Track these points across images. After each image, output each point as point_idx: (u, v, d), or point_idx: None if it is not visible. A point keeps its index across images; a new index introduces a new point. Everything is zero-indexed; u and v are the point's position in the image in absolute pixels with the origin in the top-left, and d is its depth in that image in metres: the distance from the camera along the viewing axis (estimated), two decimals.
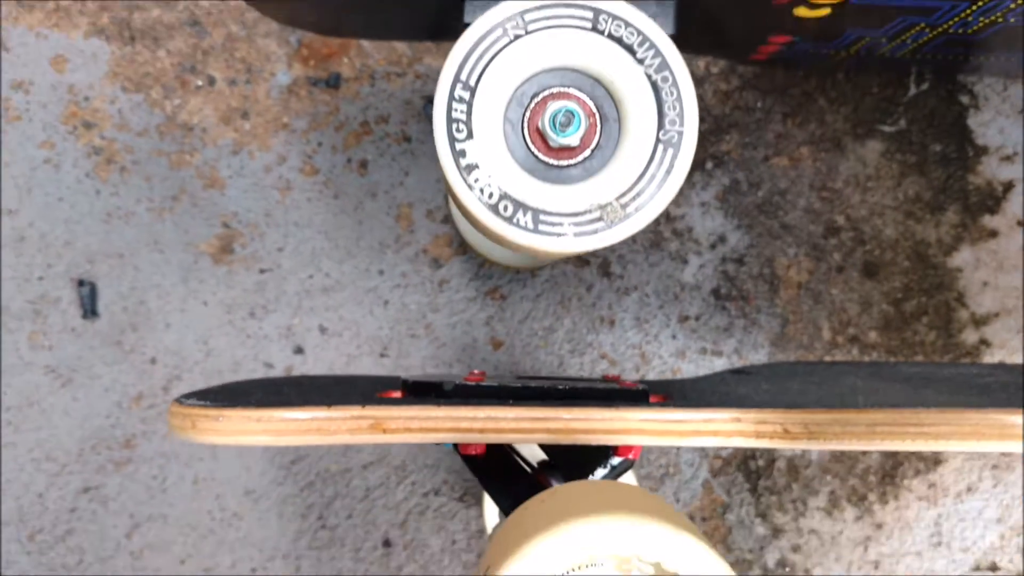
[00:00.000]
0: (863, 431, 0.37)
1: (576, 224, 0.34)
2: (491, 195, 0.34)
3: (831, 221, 0.64)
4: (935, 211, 0.65)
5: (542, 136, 0.36)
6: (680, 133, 0.35)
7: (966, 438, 0.35)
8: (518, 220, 0.34)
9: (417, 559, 0.64)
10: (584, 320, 0.64)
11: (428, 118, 0.64)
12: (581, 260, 0.64)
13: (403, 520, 0.64)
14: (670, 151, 0.35)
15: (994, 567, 0.63)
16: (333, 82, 0.64)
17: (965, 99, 0.65)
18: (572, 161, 0.36)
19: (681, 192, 0.64)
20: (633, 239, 0.64)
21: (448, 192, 0.43)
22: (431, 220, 0.64)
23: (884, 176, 0.65)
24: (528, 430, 0.41)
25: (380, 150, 0.64)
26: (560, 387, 0.44)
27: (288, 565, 0.64)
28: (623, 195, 0.35)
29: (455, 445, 0.47)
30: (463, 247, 0.64)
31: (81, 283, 0.63)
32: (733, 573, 0.32)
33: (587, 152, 0.36)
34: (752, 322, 0.64)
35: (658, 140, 0.35)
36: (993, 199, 0.65)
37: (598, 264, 0.64)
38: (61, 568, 0.63)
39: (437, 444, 0.47)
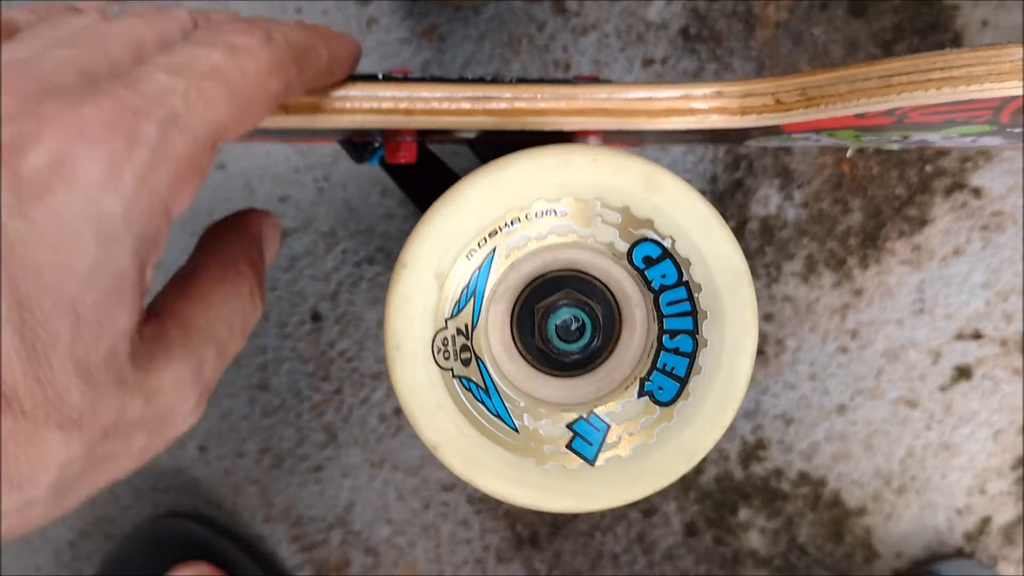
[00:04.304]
0: (876, 85, 0.30)
1: None
2: None
3: None
4: None
5: None
6: None
7: (1005, 78, 0.28)
8: None
9: (351, 334, 0.57)
10: (535, 64, 0.56)
11: None
12: None
13: (334, 291, 0.57)
14: None
15: (977, 334, 0.59)
16: None
17: None
18: None
19: None
20: None
21: None
22: None
23: None
24: (465, 111, 0.34)
25: None
26: (507, 79, 0.37)
27: None
28: None
29: (381, 160, 0.40)
30: None
31: None
32: (718, 214, 0.25)
33: None
34: (725, 66, 0.56)
35: None
36: None
37: None
38: None
39: (359, 156, 0.39)
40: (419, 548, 0.59)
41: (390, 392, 0.58)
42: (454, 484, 0.58)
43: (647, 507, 0.59)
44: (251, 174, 0.56)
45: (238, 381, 0.57)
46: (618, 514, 0.59)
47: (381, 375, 0.58)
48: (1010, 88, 0.28)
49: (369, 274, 0.57)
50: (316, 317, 0.57)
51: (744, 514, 0.59)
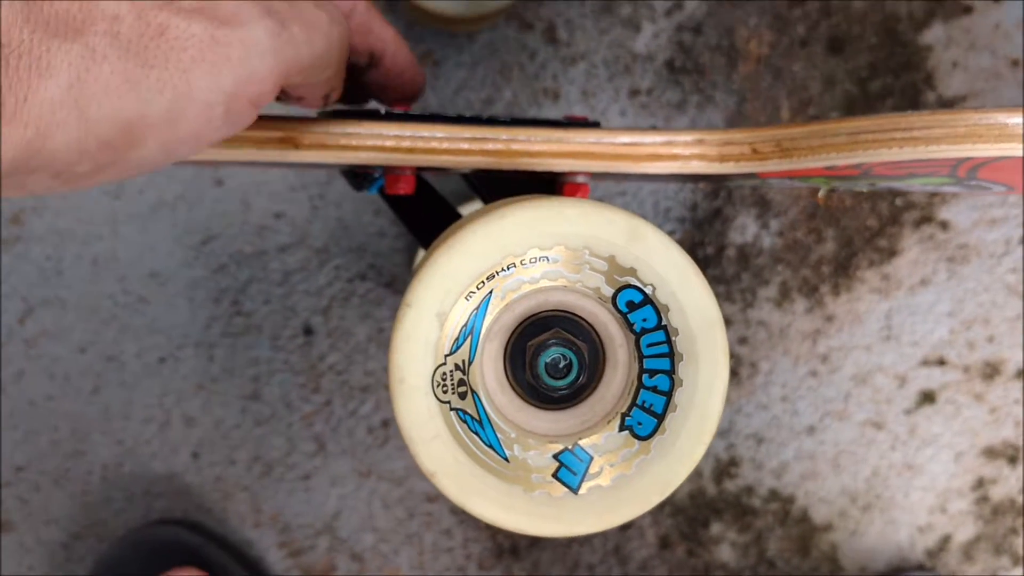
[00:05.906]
0: (844, 141, 0.33)
1: None
2: None
3: None
4: None
5: None
6: None
7: (960, 141, 0.31)
8: None
9: (341, 348, 0.59)
10: (526, 91, 0.58)
11: None
12: (524, 23, 0.58)
13: (326, 306, 0.59)
14: None
15: (942, 361, 0.61)
16: None
17: None
18: None
19: None
20: None
21: None
22: None
23: None
24: (463, 151, 0.36)
25: None
26: (501, 118, 0.39)
27: (200, 353, 0.59)
28: None
29: (380, 189, 0.42)
30: None
31: None
32: (695, 265, 0.27)
33: None
34: (707, 98, 0.59)
35: None
36: None
37: (543, 29, 0.58)
38: None
39: (358, 185, 0.41)
40: (403, 556, 0.61)
41: (378, 404, 0.60)
42: (438, 495, 0.60)
43: None
44: (248, 190, 0.58)
45: (231, 391, 0.59)
46: None
47: (370, 388, 0.60)
48: (964, 150, 0.31)
49: (361, 290, 0.59)
50: (308, 331, 0.59)
51: (716, 528, 0.61)
